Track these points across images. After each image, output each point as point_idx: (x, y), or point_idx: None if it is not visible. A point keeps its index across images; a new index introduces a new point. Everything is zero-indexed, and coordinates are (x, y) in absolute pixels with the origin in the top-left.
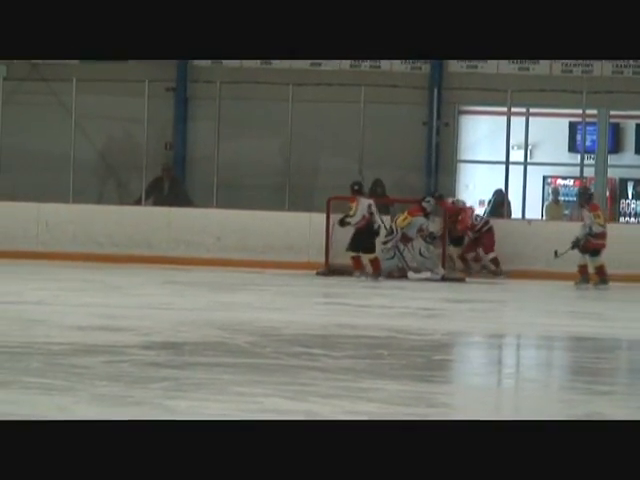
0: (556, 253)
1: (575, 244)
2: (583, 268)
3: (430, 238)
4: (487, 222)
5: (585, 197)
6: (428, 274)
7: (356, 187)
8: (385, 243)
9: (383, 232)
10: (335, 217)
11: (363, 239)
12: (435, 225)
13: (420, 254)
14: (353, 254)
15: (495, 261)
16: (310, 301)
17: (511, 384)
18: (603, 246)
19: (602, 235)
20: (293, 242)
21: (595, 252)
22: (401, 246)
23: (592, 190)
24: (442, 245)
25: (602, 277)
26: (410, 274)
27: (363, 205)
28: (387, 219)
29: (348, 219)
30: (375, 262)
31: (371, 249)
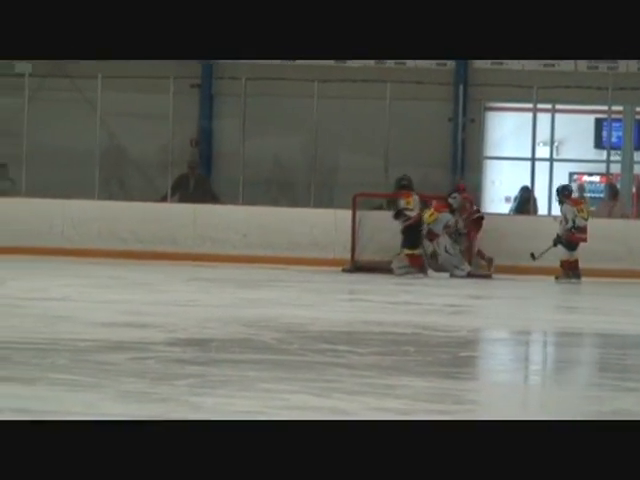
0: (533, 256)
1: (557, 241)
2: (566, 263)
3: (457, 234)
4: (477, 211)
5: (565, 193)
6: (447, 275)
7: (405, 182)
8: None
9: None
10: (361, 214)
11: (415, 234)
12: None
13: (446, 250)
14: (409, 251)
15: (480, 254)
16: (335, 298)
17: (538, 381)
18: (584, 240)
19: (584, 229)
20: (318, 239)
21: (574, 246)
22: (426, 242)
23: (572, 186)
24: (468, 241)
25: (575, 272)
26: (430, 272)
27: (416, 200)
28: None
29: (408, 212)
30: (418, 258)
31: (417, 245)
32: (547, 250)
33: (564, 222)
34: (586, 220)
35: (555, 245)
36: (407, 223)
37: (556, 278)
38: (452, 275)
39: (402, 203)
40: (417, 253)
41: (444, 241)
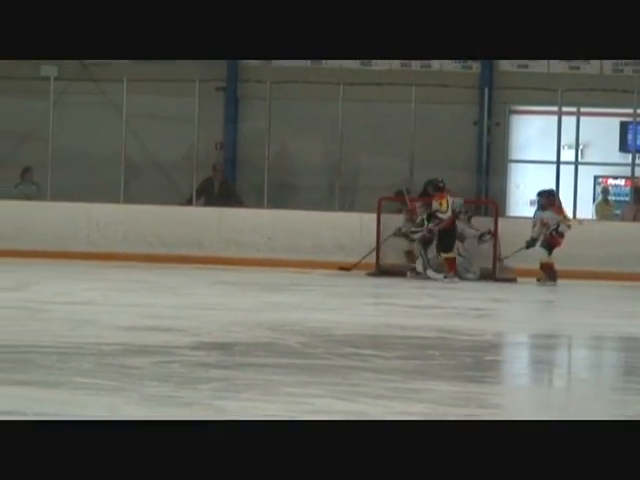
0: (500, 258)
1: (530, 244)
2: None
3: (484, 237)
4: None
5: (550, 200)
6: (441, 275)
7: (441, 184)
8: (413, 233)
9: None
10: (386, 217)
11: (449, 237)
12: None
13: (459, 253)
14: (447, 255)
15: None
16: (360, 301)
17: (562, 384)
18: (559, 245)
19: (563, 235)
20: (343, 242)
21: (551, 249)
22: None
23: (554, 190)
24: (494, 244)
25: (551, 274)
26: (429, 272)
27: (450, 202)
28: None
29: (440, 214)
30: (452, 262)
31: (451, 248)
32: (518, 251)
33: (539, 226)
34: (569, 229)
35: (527, 248)
36: (441, 226)
37: (538, 280)
38: (462, 278)
39: (435, 205)
40: (452, 256)
41: (457, 243)
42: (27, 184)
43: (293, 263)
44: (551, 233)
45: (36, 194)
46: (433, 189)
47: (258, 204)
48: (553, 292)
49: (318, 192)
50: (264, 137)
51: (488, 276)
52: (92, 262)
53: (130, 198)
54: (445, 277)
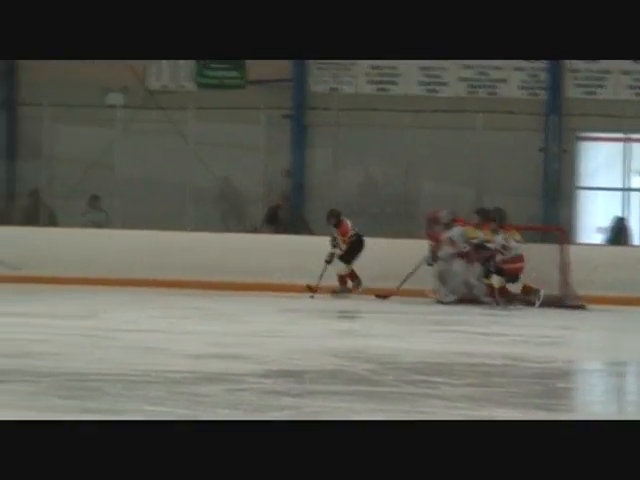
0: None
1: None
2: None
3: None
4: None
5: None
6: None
7: (493, 215)
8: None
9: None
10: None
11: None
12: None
13: (477, 279)
14: (489, 282)
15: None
16: (427, 328)
17: (634, 412)
18: (521, 269)
19: (519, 258)
20: (411, 269)
21: (513, 278)
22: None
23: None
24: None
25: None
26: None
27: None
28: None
29: (489, 245)
30: (494, 289)
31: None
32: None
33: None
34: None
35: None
36: (486, 255)
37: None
38: (481, 302)
39: (482, 235)
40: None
41: (477, 268)
42: (95, 212)
43: (360, 290)
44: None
45: (104, 222)
46: (483, 218)
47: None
48: (624, 319)
49: (385, 218)
50: (331, 164)
51: (554, 303)
52: (159, 289)
53: (197, 225)
54: (497, 303)
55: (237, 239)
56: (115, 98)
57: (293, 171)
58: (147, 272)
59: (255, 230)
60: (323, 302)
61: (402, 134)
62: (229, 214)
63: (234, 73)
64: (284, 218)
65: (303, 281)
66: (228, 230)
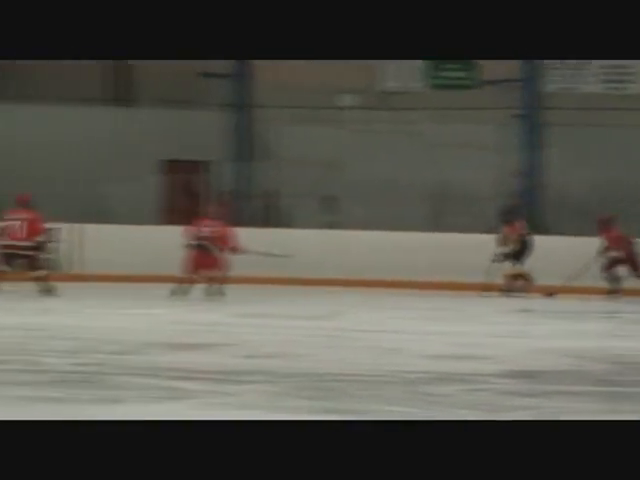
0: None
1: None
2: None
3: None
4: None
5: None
6: None
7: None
8: None
9: None
10: None
11: None
12: None
13: None
14: None
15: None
16: None
17: None
18: None
19: None
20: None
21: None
22: None
23: None
24: None
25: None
26: None
27: None
28: None
29: None
30: None
31: None
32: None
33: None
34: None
35: None
36: None
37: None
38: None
39: None
40: None
41: None
42: (328, 213)
43: (595, 290)
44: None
45: (338, 223)
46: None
47: (560, 230)
48: None
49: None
50: (563, 164)
51: None
52: (400, 290)
53: (431, 226)
54: None
55: (472, 239)
56: (347, 99)
57: (524, 171)
58: (380, 273)
59: (489, 230)
60: (556, 302)
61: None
62: (462, 214)
63: (466, 73)
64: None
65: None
66: (462, 230)
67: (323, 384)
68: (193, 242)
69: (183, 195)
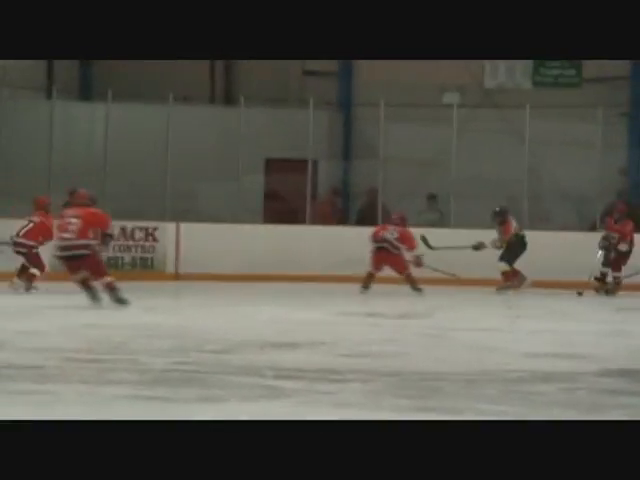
0: None
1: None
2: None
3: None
4: None
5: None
6: None
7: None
8: None
9: None
10: None
11: None
12: None
13: None
14: None
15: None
16: None
17: None
18: None
19: None
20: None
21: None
22: None
23: None
24: None
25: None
26: None
27: None
28: None
29: None
30: None
31: None
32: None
33: None
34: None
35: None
36: None
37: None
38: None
39: None
40: None
41: None
42: (432, 211)
43: None
44: None
45: (439, 221)
46: None
47: None
48: None
49: None
50: None
51: None
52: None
53: (533, 224)
54: None
55: (573, 238)
56: (452, 97)
57: (630, 169)
58: (477, 271)
59: (594, 228)
60: None
61: None
62: (564, 213)
63: (571, 71)
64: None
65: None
66: (565, 229)
67: (421, 383)
68: (378, 244)
69: (287, 194)
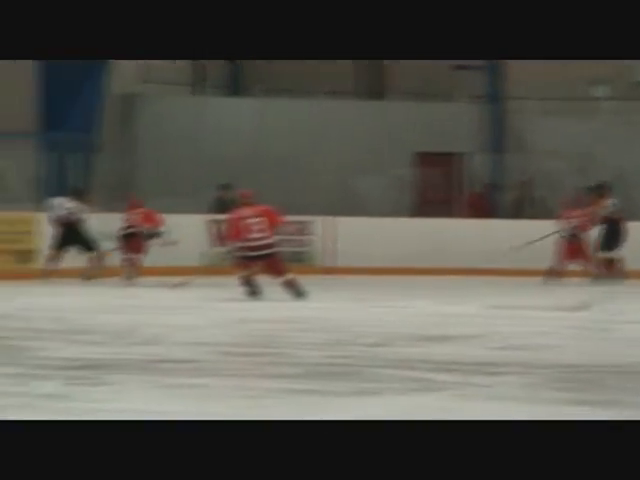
0: None
1: None
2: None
3: None
4: None
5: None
6: None
7: None
8: None
9: None
10: None
11: None
12: None
13: None
14: None
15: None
16: None
17: None
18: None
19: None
20: None
21: None
22: None
23: None
24: None
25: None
26: None
27: None
28: None
29: None
30: None
31: None
32: None
33: None
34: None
35: None
36: None
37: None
38: None
39: None
40: None
41: None
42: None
43: None
44: None
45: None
46: None
47: None
48: None
49: None
50: None
51: None
52: None
53: None
54: None
55: None
56: (601, 90)
57: None
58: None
59: None
60: None
61: None
62: None
63: None
64: None
65: None
66: None
67: (577, 375)
68: (564, 233)
69: (436, 187)
